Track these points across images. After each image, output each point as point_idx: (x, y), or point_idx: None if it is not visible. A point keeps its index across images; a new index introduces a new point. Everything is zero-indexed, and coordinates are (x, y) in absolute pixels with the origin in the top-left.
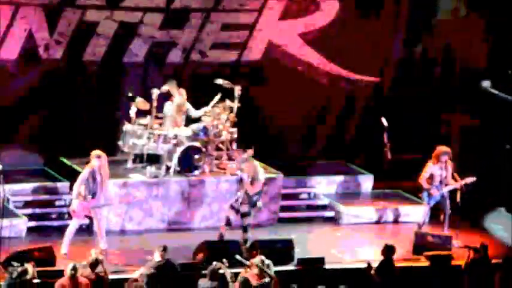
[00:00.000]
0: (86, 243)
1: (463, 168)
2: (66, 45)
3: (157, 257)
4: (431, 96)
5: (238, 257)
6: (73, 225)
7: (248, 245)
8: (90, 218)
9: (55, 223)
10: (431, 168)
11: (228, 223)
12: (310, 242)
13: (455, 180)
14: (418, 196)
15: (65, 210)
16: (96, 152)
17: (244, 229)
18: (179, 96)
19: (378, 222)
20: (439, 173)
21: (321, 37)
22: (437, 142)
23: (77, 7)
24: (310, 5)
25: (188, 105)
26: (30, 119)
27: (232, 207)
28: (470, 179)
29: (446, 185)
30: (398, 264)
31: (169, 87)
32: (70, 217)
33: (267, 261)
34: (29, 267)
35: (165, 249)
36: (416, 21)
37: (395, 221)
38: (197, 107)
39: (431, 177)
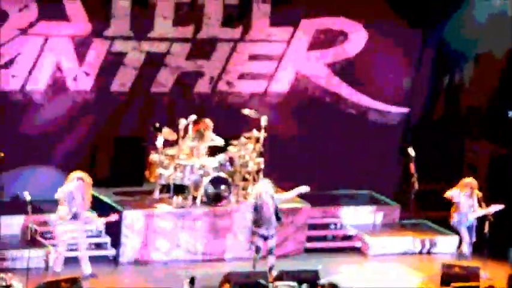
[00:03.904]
0: (112, 274)
1: (491, 197)
2: (94, 76)
3: None
4: (459, 126)
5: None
6: None
7: (274, 273)
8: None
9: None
10: (457, 192)
11: (258, 250)
12: (336, 273)
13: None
14: (449, 224)
15: (92, 240)
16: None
17: (269, 252)
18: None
19: (405, 253)
20: (463, 199)
21: (349, 67)
22: (465, 172)
23: (105, 38)
24: (339, 35)
25: (212, 136)
26: (58, 149)
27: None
28: (497, 206)
29: (474, 211)
30: None
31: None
32: (97, 247)
33: None
34: None
35: (193, 280)
36: (445, 52)
37: (422, 252)
38: (223, 137)
39: (457, 205)
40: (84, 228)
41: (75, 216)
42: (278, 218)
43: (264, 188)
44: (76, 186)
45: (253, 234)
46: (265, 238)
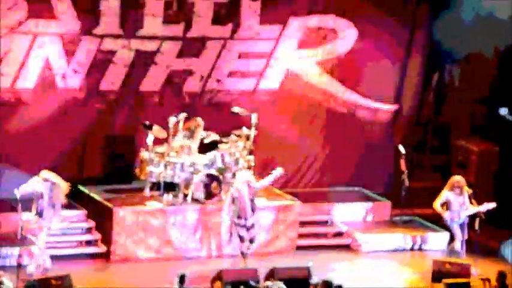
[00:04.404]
0: (102, 271)
1: (482, 195)
2: (84, 75)
3: (176, 285)
4: (450, 123)
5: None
6: None
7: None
8: None
9: (72, 251)
10: (446, 194)
11: (242, 239)
12: (328, 270)
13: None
14: (442, 222)
15: (82, 238)
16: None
17: (250, 241)
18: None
19: (396, 249)
20: (453, 198)
21: (339, 65)
22: (455, 169)
23: (94, 36)
24: (328, 33)
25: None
26: (47, 148)
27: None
28: (489, 205)
29: (466, 209)
30: None
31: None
32: (88, 244)
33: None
34: None
35: (182, 278)
36: (434, 49)
37: (413, 248)
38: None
39: (448, 204)
40: (47, 227)
41: (40, 214)
42: (252, 209)
43: (241, 179)
44: (45, 186)
45: (235, 225)
46: (248, 228)
